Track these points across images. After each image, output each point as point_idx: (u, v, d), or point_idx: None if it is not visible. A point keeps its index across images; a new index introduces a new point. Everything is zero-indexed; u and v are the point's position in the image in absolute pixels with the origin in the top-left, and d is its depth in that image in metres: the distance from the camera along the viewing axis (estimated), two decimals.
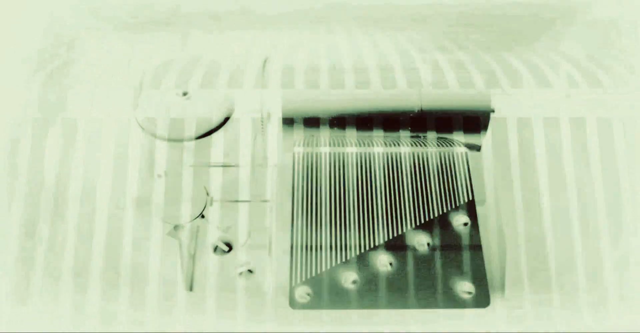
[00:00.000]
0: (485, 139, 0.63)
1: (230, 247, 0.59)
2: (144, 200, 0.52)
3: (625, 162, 0.62)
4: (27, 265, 0.57)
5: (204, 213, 0.54)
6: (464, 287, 0.51)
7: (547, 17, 0.68)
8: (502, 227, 0.63)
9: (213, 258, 0.59)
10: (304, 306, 0.51)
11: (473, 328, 0.57)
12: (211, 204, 0.49)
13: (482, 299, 0.52)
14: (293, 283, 0.52)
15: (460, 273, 0.52)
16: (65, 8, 0.64)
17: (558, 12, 0.68)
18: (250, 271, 0.58)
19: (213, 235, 0.59)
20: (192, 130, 0.56)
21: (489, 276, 0.54)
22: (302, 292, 0.51)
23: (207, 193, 0.49)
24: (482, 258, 0.53)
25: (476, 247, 0.54)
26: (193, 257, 0.61)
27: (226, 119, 0.57)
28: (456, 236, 0.54)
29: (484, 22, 0.69)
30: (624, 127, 0.64)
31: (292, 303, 0.51)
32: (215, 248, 0.59)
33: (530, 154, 0.68)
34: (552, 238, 0.63)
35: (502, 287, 0.59)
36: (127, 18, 0.67)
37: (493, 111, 0.60)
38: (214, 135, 0.57)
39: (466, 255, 0.53)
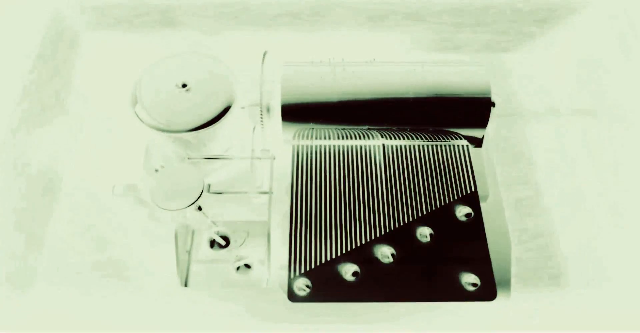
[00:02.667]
0: (487, 136, 0.63)
1: (227, 241, 0.58)
2: (141, 190, 0.51)
3: (625, 158, 0.62)
4: (17, 259, 0.56)
5: (201, 206, 0.53)
6: (469, 279, 0.49)
7: (543, 17, 0.69)
8: (506, 222, 0.61)
9: (210, 253, 0.57)
10: (303, 299, 0.49)
11: (477, 325, 0.54)
12: (208, 191, 0.48)
13: (488, 291, 0.50)
14: (292, 276, 0.50)
15: (465, 265, 0.51)
16: (68, 5, 0.65)
17: (553, 12, 0.69)
18: (247, 266, 0.56)
19: (210, 229, 0.57)
20: (190, 122, 0.55)
21: (494, 272, 0.52)
22: (301, 284, 0.49)
23: (204, 182, 0.48)
24: (486, 250, 0.52)
25: (480, 238, 0.52)
26: (189, 253, 0.59)
27: (225, 111, 0.57)
28: (459, 227, 0.53)
29: (480, 21, 0.70)
30: (624, 124, 0.63)
31: (291, 296, 0.49)
32: (212, 243, 0.58)
33: (533, 149, 0.67)
34: (559, 234, 0.61)
35: (508, 284, 0.57)
36: (129, 16, 0.67)
37: (494, 105, 0.59)
38: (213, 127, 0.56)
39: (470, 247, 0.52)
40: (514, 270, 0.59)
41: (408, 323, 0.54)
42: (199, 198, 0.46)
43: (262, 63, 0.59)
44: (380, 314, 0.54)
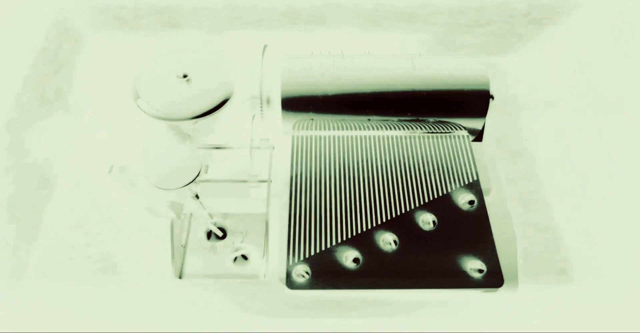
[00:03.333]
0: (487, 132, 0.63)
1: (224, 232, 0.56)
2: (136, 173, 0.50)
3: (624, 153, 0.61)
4: (8, 252, 0.54)
5: (198, 194, 0.52)
6: (475, 265, 0.48)
7: (538, 18, 0.71)
8: (509, 215, 0.60)
9: (207, 244, 0.55)
10: (302, 286, 0.47)
11: (482, 320, 0.52)
12: (206, 171, 0.47)
13: (494, 278, 0.48)
14: (290, 263, 0.48)
15: (470, 251, 0.49)
16: (73, 4, 0.67)
17: (548, 13, 0.70)
18: (244, 257, 0.54)
19: (207, 220, 0.56)
20: (190, 111, 0.55)
21: (500, 265, 0.50)
22: (301, 271, 0.47)
23: (202, 163, 0.47)
24: (491, 236, 0.50)
25: (484, 225, 0.51)
26: (184, 247, 0.57)
27: (225, 101, 0.57)
28: (462, 214, 0.52)
29: (476, 23, 0.71)
30: (622, 119, 0.63)
31: (290, 283, 0.47)
32: (209, 234, 0.56)
33: (533, 146, 0.67)
34: (563, 228, 0.60)
35: (515, 276, 0.55)
36: (132, 16, 0.69)
37: (492, 97, 0.60)
38: (212, 117, 0.56)
39: (474, 234, 0.50)
40: (519, 263, 0.58)
41: (411, 316, 0.51)
42: (196, 177, 0.45)
43: (262, 56, 0.59)
44: (381, 308, 0.52)
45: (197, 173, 0.45)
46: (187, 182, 0.44)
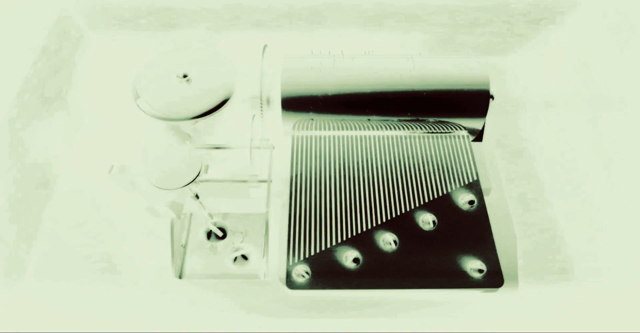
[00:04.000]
0: (487, 132, 0.63)
1: (224, 232, 0.56)
2: (136, 174, 0.50)
3: (624, 150, 0.61)
4: (8, 252, 0.54)
5: (198, 194, 0.52)
6: (475, 265, 0.48)
7: (537, 18, 0.71)
8: (509, 215, 0.60)
9: (207, 244, 0.55)
10: (302, 286, 0.47)
11: (483, 319, 0.52)
12: (206, 171, 0.47)
13: (494, 278, 0.48)
14: (290, 262, 0.48)
15: (470, 251, 0.49)
16: (75, 5, 0.67)
17: (547, 13, 0.70)
18: (244, 257, 0.54)
19: (207, 220, 0.56)
20: (190, 111, 0.55)
21: (500, 264, 0.50)
22: (301, 271, 0.47)
23: (202, 162, 0.47)
24: (491, 236, 0.50)
25: (484, 225, 0.51)
26: (184, 247, 0.57)
27: (225, 101, 0.57)
28: (462, 214, 0.52)
29: (476, 23, 0.71)
30: (621, 117, 0.63)
31: (290, 283, 0.47)
32: (209, 234, 0.56)
33: (533, 145, 0.67)
34: (564, 228, 0.60)
35: (515, 276, 0.55)
36: (133, 17, 0.69)
37: (492, 98, 0.60)
38: (212, 117, 0.56)
39: (474, 234, 0.50)
40: (519, 263, 0.57)
41: (411, 316, 0.51)
42: (196, 177, 0.45)
43: (262, 56, 0.59)
44: (381, 308, 0.52)
45: (197, 174, 0.45)
46: (187, 182, 0.44)
